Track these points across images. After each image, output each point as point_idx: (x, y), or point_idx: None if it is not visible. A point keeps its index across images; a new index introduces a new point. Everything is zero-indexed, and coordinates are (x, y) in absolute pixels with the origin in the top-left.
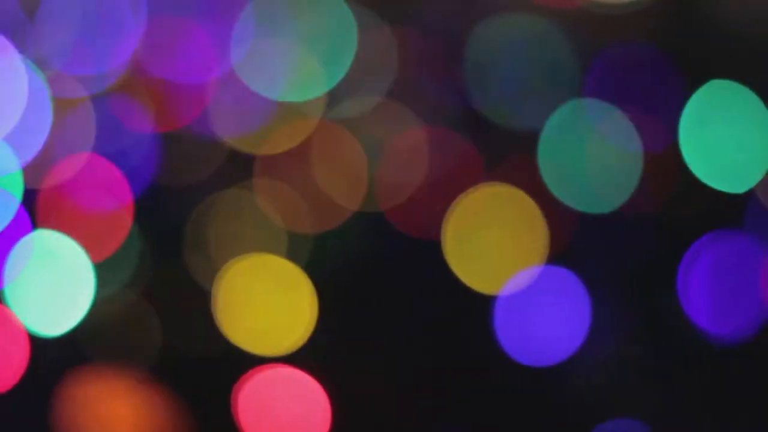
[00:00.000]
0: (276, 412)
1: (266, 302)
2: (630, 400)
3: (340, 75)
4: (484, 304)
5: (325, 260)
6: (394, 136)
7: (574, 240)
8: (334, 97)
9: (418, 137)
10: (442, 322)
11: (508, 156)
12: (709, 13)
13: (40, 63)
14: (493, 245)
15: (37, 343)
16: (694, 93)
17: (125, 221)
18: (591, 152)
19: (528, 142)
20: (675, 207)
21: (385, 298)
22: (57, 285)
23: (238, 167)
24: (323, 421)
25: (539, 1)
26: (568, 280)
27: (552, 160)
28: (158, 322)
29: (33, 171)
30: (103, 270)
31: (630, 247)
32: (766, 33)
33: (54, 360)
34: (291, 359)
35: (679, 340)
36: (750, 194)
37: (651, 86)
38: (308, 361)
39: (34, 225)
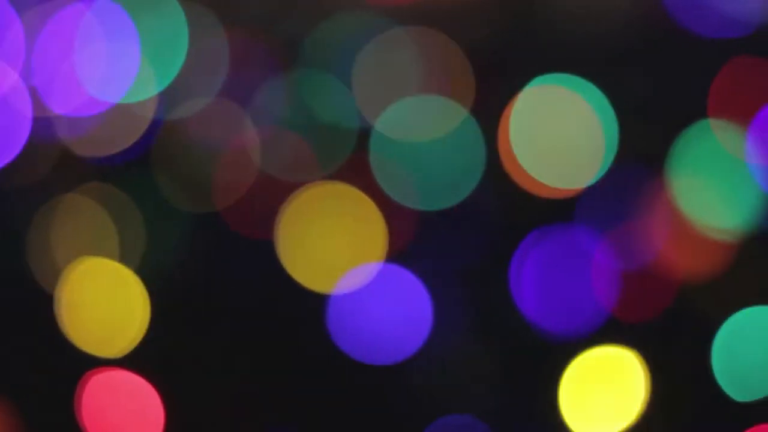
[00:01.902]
0: (110, 413)
1: (98, 305)
2: (466, 397)
3: (173, 75)
4: (319, 302)
5: (158, 261)
6: (227, 136)
7: (412, 238)
8: (166, 97)
9: (251, 137)
10: (278, 321)
11: (343, 154)
12: (542, 10)
13: None
14: (327, 244)
15: None
16: (522, 90)
17: None
18: (426, 149)
19: (362, 140)
20: (511, 203)
21: (220, 298)
22: None
23: (72, 169)
24: (156, 423)
25: (373, 1)
26: (405, 278)
27: (385, 158)
28: None
29: None
30: None
31: (467, 244)
32: (599, 30)
33: None
34: (124, 361)
35: (513, 337)
36: (583, 189)
37: (490, 82)
38: (141, 362)
39: None
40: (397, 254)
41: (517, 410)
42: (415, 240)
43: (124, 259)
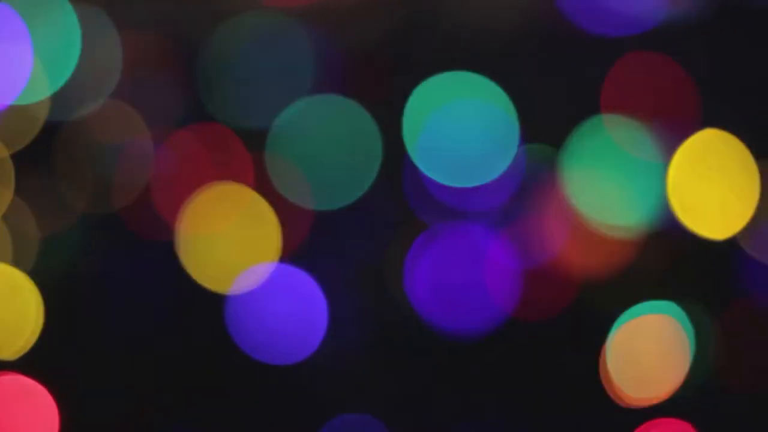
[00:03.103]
0: (5, 417)
1: None
2: (362, 396)
3: (66, 77)
4: (219, 302)
5: (52, 264)
6: (123, 137)
7: (307, 237)
8: (60, 99)
9: (147, 137)
10: (177, 322)
11: (239, 155)
12: (439, 8)
13: None
14: (224, 244)
15: None
16: (414, 88)
17: None
18: (322, 149)
19: (257, 140)
20: (405, 202)
21: (117, 300)
22: None
23: None
24: (51, 426)
25: (269, 2)
26: (300, 278)
27: (281, 158)
28: None
29: None
30: None
31: (362, 243)
32: (494, 27)
33: None
34: (18, 365)
35: (409, 336)
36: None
37: (387, 81)
38: (35, 366)
39: None
40: (292, 254)
41: (413, 409)
42: (310, 240)
43: (17, 262)
